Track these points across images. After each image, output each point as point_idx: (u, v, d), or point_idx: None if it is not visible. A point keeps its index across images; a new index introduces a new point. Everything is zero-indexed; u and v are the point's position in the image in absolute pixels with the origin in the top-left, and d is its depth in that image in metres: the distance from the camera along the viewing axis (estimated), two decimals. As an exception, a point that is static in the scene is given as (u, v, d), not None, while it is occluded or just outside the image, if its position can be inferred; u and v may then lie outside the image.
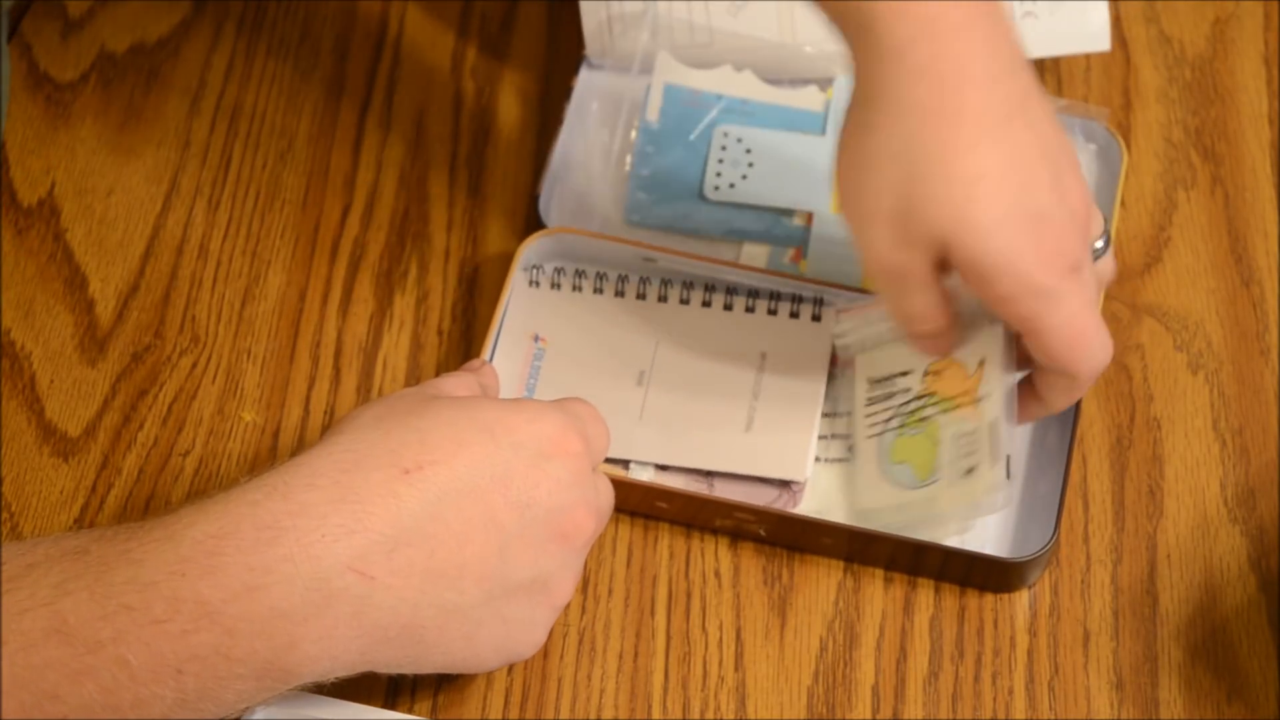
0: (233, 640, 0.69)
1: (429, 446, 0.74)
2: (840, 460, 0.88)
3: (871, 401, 0.88)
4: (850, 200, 0.79)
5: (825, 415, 0.89)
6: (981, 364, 0.83)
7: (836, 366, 0.90)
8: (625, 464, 0.89)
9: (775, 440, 0.88)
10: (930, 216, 0.76)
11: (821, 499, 0.88)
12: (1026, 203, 0.76)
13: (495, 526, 0.74)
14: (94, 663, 0.68)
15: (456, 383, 0.82)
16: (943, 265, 0.78)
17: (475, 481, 0.74)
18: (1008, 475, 0.82)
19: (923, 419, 0.86)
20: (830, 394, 0.89)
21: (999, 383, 0.83)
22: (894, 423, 0.86)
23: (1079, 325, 0.78)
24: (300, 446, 0.90)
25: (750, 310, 0.93)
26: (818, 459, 0.88)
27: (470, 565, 0.74)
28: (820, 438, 0.88)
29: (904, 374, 0.87)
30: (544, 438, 0.76)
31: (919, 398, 0.86)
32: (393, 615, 0.73)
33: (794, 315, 0.92)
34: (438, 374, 0.92)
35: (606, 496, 0.80)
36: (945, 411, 0.85)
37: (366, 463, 0.72)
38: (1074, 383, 0.81)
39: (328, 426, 0.90)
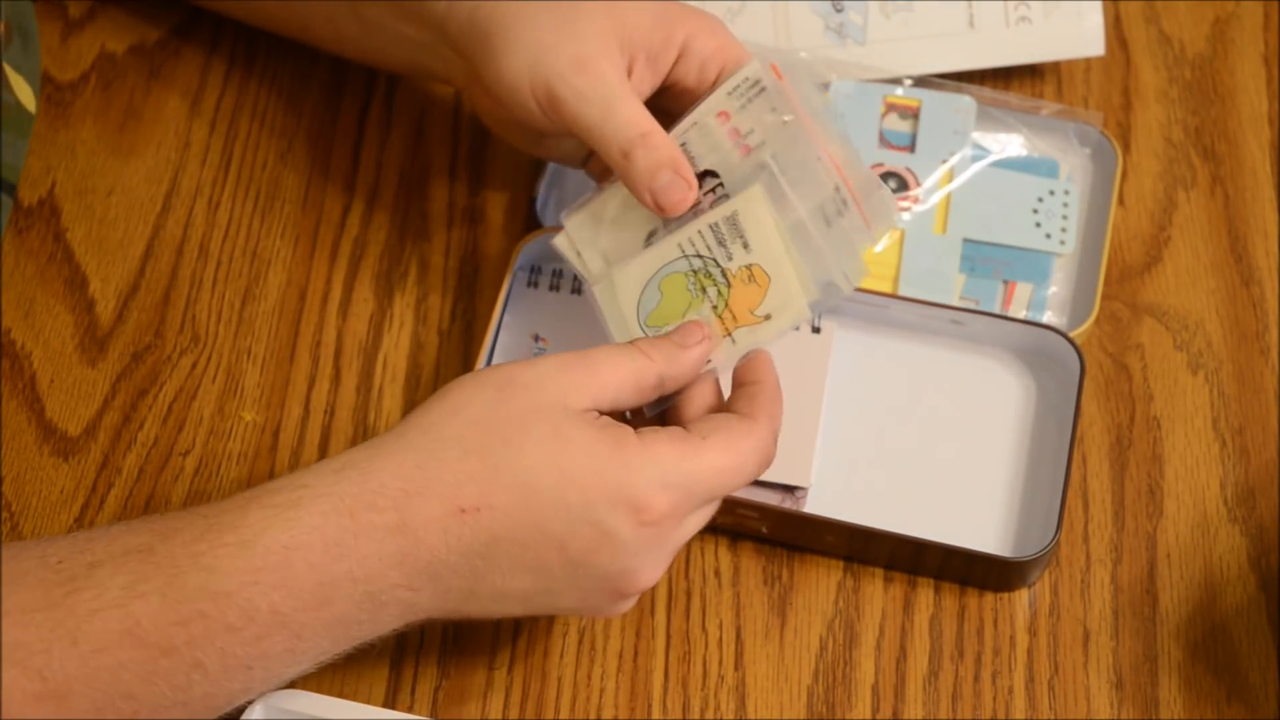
0: (300, 641, 0.72)
1: (497, 488, 0.73)
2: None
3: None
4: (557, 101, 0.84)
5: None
6: (767, 317, 0.82)
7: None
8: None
9: (779, 445, 0.88)
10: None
11: (821, 501, 0.88)
12: None
13: (544, 573, 0.75)
14: (169, 665, 0.70)
15: (612, 373, 0.77)
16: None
17: (532, 536, 0.74)
18: None
19: (701, 282, 0.83)
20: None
21: (755, 339, 0.82)
22: (679, 264, 0.84)
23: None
24: (300, 446, 0.90)
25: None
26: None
27: (512, 593, 0.75)
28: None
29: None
30: (623, 499, 0.74)
31: (711, 272, 0.83)
32: (438, 612, 0.76)
33: (794, 326, 0.92)
34: (437, 374, 0.92)
35: (684, 538, 0.78)
36: (715, 307, 0.83)
37: (429, 490, 0.73)
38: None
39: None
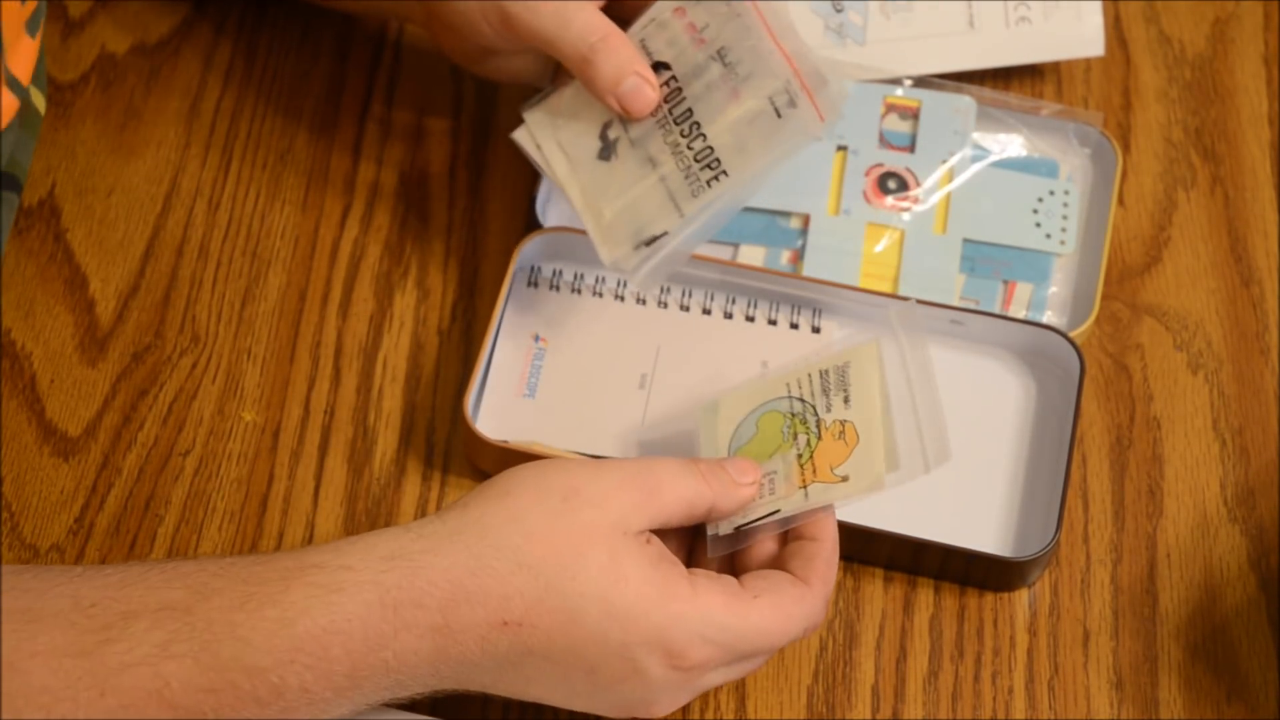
0: (324, 712, 0.72)
1: (543, 609, 0.73)
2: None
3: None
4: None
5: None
6: (845, 479, 0.80)
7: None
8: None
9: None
10: None
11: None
12: None
13: (566, 687, 0.75)
14: None
15: (672, 495, 0.77)
16: None
17: (564, 658, 0.74)
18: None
19: (795, 427, 0.82)
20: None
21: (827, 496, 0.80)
22: (781, 404, 0.83)
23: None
24: (300, 446, 0.90)
25: (750, 319, 0.93)
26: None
27: (531, 694, 0.76)
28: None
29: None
30: (659, 644, 0.74)
31: (804, 423, 0.82)
32: (454, 688, 0.76)
33: (794, 326, 0.93)
34: (437, 374, 0.92)
35: (711, 685, 0.78)
36: (800, 459, 0.81)
37: (476, 599, 0.73)
38: None
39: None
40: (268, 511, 0.88)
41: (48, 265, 0.95)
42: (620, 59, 0.85)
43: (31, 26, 0.84)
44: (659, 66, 0.87)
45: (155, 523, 0.88)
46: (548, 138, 0.88)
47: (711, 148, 0.85)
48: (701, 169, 0.85)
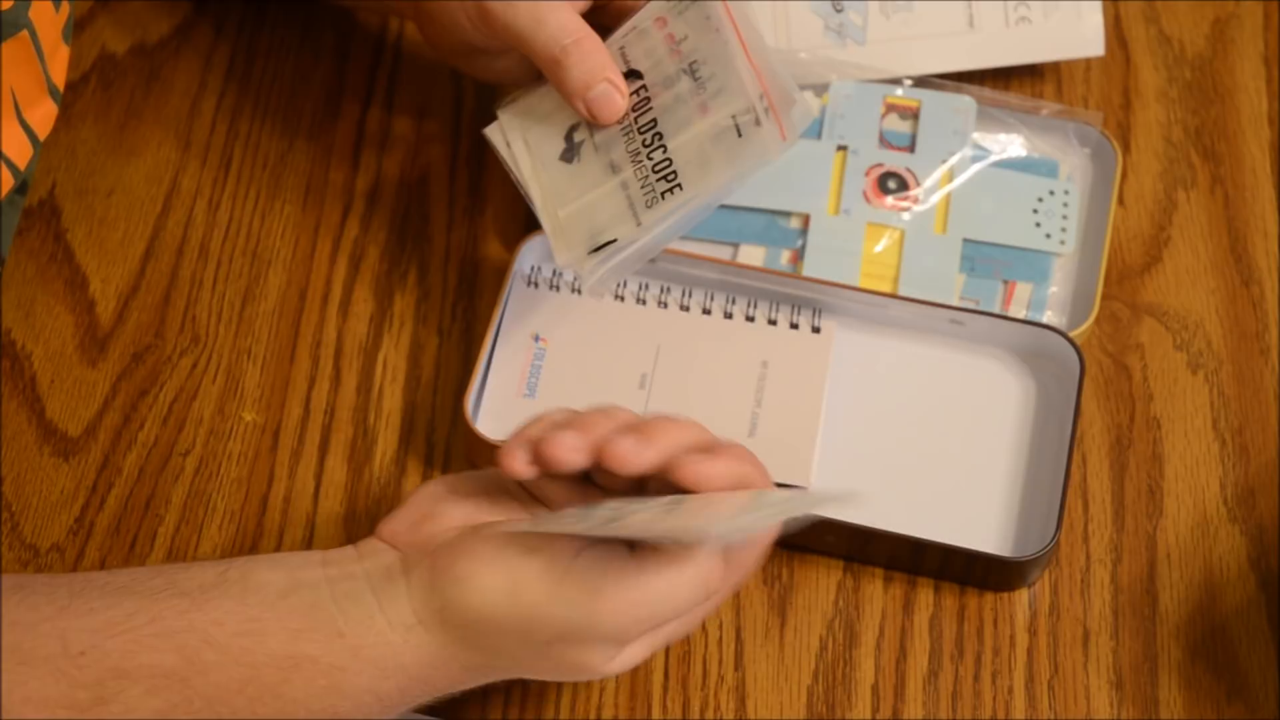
0: None
1: (498, 651, 0.75)
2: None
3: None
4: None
5: None
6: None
7: None
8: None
9: (779, 445, 0.88)
10: None
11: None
12: None
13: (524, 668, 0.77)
14: None
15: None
16: None
17: (520, 657, 0.75)
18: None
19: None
20: None
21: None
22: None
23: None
24: (300, 447, 0.90)
25: (750, 319, 0.93)
26: None
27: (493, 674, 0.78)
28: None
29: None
30: (577, 665, 0.75)
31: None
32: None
33: (794, 326, 0.93)
34: (437, 374, 0.92)
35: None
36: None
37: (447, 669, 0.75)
38: None
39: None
40: (268, 511, 0.88)
41: (48, 265, 0.95)
42: (592, 64, 0.85)
43: (66, 34, 0.84)
44: (630, 74, 0.87)
45: (155, 523, 0.88)
46: (517, 136, 0.89)
47: (670, 160, 0.85)
48: (658, 180, 0.85)
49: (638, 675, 0.84)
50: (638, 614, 0.73)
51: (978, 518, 0.88)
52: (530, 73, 0.90)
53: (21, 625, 0.70)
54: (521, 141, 0.88)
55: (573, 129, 0.87)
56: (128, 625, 0.71)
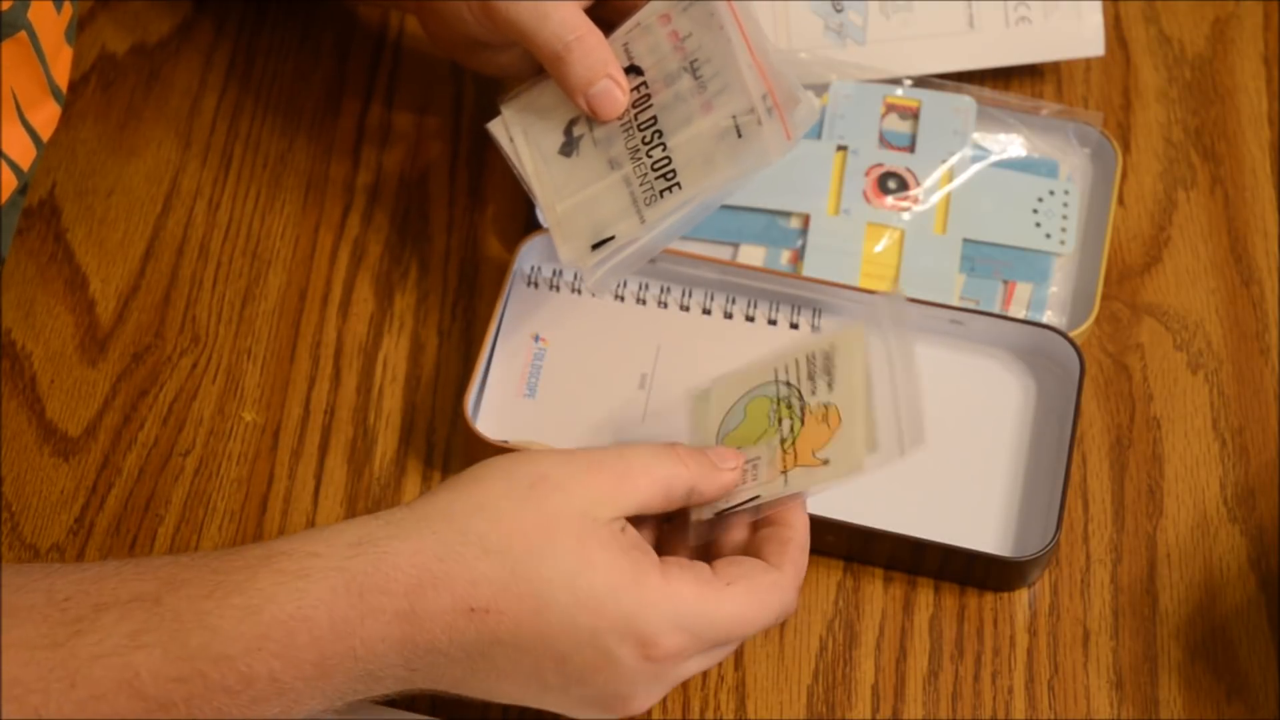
0: (295, 705, 0.72)
1: (509, 595, 0.72)
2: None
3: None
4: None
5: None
6: (826, 462, 0.79)
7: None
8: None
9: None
10: None
11: (821, 501, 0.88)
12: None
13: (538, 680, 0.74)
14: (164, 719, 0.70)
15: (645, 479, 0.76)
16: None
17: (534, 646, 0.73)
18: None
19: (781, 412, 0.82)
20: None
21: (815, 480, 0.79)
22: (769, 389, 0.83)
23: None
24: (300, 446, 0.90)
25: (750, 319, 0.93)
26: None
27: (503, 692, 0.75)
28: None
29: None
30: (632, 632, 0.73)
31: (789, 406, 0.82)
32: (431, 689, 0.75)
33: (794, 326, 0.93)
34: (437, 374, 0.92)
35: (685, 676, 0.78)
36: (784, 442, 0.81)
37: (443, 584, 0.72)
38: None
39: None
40: (268, 511, 0.88)
41: (48, 265, 0.95)
42: (594, 60, 0.85)
43: (69, 35, 0.84)
44: (632, 70, 0.87)
45: (155, 523, 0.88)
46: (519, 131, 0.89)
47: (669, 158, 0.85)
48: (657, 178, 0.85)
49: (638, 675, 0.84)
50: (734, 631, 0.75)
51: (978, 518, 0.88)
52: (533, 67, 0.90)
53: (10, 587, 0.70)
54: (523, 136, 0.88)
55: (572, 123, 0.88)
56: (115, 573, 0.71)
